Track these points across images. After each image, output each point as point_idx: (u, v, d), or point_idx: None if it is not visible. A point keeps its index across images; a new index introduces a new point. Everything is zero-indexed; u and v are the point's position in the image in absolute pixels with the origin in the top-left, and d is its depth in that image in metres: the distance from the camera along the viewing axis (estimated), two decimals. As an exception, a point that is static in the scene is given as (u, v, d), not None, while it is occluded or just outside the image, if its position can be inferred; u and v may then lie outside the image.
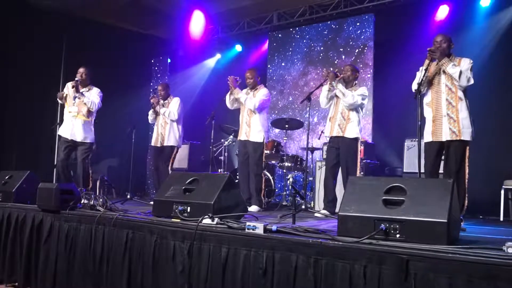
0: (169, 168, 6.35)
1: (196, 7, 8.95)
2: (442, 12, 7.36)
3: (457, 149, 4.09)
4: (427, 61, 4.17)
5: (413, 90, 4.22)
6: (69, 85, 6.07)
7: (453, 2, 7.28)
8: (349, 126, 5.17)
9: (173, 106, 6.42)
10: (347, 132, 5.17)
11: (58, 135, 6.14)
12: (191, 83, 10.15)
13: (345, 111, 5.21)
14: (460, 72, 4.05)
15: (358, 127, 5.21)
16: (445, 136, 4.14)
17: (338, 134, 5.20)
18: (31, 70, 8.10)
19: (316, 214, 4.90)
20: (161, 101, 6.53)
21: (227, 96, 5.88)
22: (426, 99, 4.31)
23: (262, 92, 5.73)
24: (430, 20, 7.40)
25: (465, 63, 4.14)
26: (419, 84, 4.12)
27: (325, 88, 5.34)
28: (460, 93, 4.13)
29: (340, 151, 5.20)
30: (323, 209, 5.27)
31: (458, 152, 4.08)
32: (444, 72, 4.20)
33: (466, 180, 4.11)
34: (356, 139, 5.18)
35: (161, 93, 6.56)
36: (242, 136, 5.81)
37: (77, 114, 5.99)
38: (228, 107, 5.97)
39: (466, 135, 4.08)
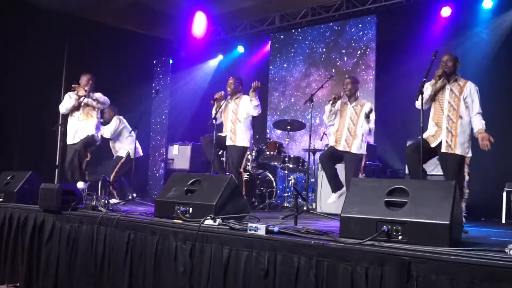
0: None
1: (198, 8, 8.95)
2: (445, 14, 7.35)
3: (452, 161, 4.29)
4: (433, 81, 4.37)
5: (417, 106, 4.38)
6: (71, 94, 6.06)
7: (456, 4, 7.26)
8: (355, 142, 5.18)
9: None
10: (354, 148, 5.18)
11: (67, 144, 6.13)
12: (193, 84, 10.16)
13: (352, 127, 5.22)
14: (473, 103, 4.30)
15: (364, 143, 5.24)
16: (439, 145, 4.34)
17: (345, 149, 5.21)
18: (33, 71, 8.10)
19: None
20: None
21: (214, 112, 5.81)
22: (430, 113, 4.51)
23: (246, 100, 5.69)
24: (432, 22, 7.38)
25: (474, 92, 4.33)
26: (421, 90, 4.23)
27: (328, 107, 5.35)
28: (462, 111, 4.33)
29: (345, 165, 5.24)
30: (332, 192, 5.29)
31: (454, 164, 4.28)
32: (450, 89, 4.39)
33: (465, 187, 4.26)
34: (361, 155, 5.22)
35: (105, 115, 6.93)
36: (227, 140, 5.71)
37: (83, 116, 6.02)
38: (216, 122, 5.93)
39: (459, 150, 4.27)
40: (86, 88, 5.93)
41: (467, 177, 4.26)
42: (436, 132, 4.41)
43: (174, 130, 10.01)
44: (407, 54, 7.09)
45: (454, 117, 4.34)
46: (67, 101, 6.04)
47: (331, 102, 5.29)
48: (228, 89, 5.81)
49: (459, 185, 4.14)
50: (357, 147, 5.18)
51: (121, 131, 6.96)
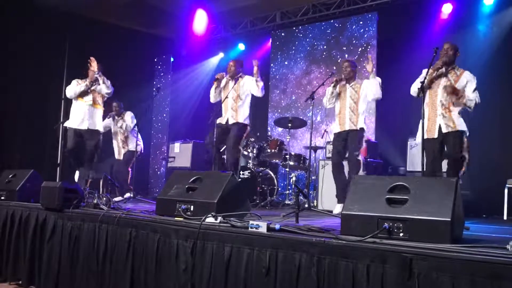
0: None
1: (199, 6, 8.94)
2: (446, 10, 7.33)
3: (455, 138, 4.45)
4: (431, 70, 4.45)
5: (411, 92, 4.61)
6: (79, 80, 6.16)
7: (457, 1, 7.25)
8: (360, 119, 5.32)
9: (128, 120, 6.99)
10: (359, 124, 5.31)
11: (67, 127, 6.16)
12: (194, 82, 10.16)
13: (353, 105, 5.33)
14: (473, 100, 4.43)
15: (364, 118, 5.42)
16: (439, 130, 4.50)
17: (351, 128, 5.31)
18: (35, 69, 8.12)
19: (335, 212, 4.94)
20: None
21: (213, 90, 5.96)
22: (425, 99, 4.62)
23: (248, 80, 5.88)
24: (433, 19, 7.37)
25: (471, 83, 4.45)
26: (422, 83, 4.31)
27: (329, 90, 5.46)
28: (455, 97, 4.47)
29: (349, 140, 5.32)
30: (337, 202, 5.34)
31: (457, 141, 4.44)
32: (445, 75, 4.53)
33: (464, 169, 4.49)
34: (363, 129, 5.36)
35: (116, 109, 7.01)
36: (229, 120, 5.79)
37: (92, 103, 6.10)
38: (212, 101, 6.07)
39: (461, 127, 4.47)
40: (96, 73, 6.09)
41: (466, 164, 4.44)
42: (430, 118, 4.56)
43: (175, 128, 10.03)
44: (408, 51, 7.08)
45: (447, 103, 4.50)
46: (76, 86, 6.12)
47: (333, 84, 5.43)
48: (229, 71, 6.00)
49: (461, 162, 4.41)
50: (362, 122, 5.33)
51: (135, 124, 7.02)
